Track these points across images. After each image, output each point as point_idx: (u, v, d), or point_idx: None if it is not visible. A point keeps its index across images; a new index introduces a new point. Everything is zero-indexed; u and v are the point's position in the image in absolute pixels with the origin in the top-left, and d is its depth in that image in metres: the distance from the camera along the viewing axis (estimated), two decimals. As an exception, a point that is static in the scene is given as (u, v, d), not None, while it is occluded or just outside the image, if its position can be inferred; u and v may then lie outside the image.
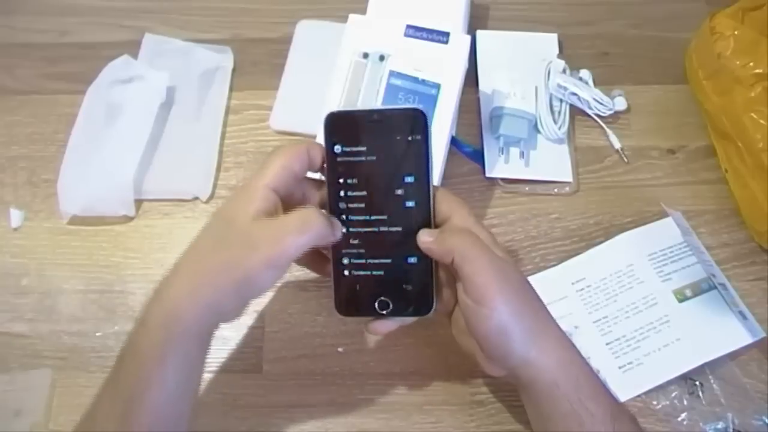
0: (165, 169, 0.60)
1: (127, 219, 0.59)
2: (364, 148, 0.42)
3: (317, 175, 0.44)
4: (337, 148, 0.42)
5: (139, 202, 0.59)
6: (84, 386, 0.52)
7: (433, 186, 0.43)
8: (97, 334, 0.54)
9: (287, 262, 0.40)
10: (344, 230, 0.43)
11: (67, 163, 0.59)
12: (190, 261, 0.41)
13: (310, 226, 0.40)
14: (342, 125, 0.42)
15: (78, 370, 0.53)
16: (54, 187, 0.59)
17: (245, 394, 0.51)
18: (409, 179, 0.42)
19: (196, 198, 0.60)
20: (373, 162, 0.42)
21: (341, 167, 0.42)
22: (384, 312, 0.44)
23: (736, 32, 0.56)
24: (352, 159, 0.42)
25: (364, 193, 0.42)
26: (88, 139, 0.60)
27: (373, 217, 0.43)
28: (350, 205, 0.43)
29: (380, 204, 0.43)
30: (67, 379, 0.53)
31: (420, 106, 0.42)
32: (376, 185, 0.42)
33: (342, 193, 0.43)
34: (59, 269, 0.57)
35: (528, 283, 0.44)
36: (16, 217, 0.59)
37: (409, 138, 0.42)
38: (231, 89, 0.64)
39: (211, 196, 0.60)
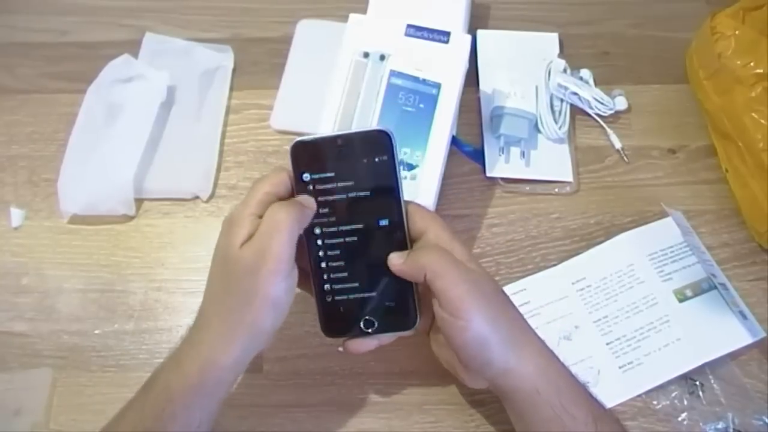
0: (165, 169, 0.60)
1: (128, 218, 0.59)
2: (332, 174, 0.42)
3: None
4: (306, 176, 0.42)
5: (139, 202, 0.59)
6: (84, 385, 0.52)
7: (405, 202, 0.43)
8: (97, 332, 0.54)
9: (288, 266, 0.40)
10: (323, 257, 0.43)
11: (68, 162, 0.59)
12: (212, 307, 0.42)
13: (280, 219, 0.40)
14: (308, 153, 0.42)
15: (78, 370, 0.53)
16: (54, 187, 0.59)
17: (245, 394, 0.51)
18: (380, 199, 0.43)
19: (197, 197, 0.60)
20: (343, 186, 0.42)
21: (310, 194, 0.42)
22: (369, 330, 0.44)
23: (736, 32, 0.56)
24: (320, 186, 0.42)
25: (336, 217, 0.43)
26: (89, 138, 0.60)
27: (348, 240, 0.43)
28: (324, 230, 0.43)
29: (354, 227, 0.43)
30: (67, 378, 0.53)
31: (383, 127, 0.42)
32: (347, 209, 0.43)
33: (314, 220, 0.43)
34: (59, 268, 0.57)
35: (504, 293, 0.44)
36: (16, 216, 0.59)
37: (376, 159, 0.42)
38: (231, 89, 0.64)
39: (212, 196, 0.60)
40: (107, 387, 0.52)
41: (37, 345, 0.54)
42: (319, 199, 0.43)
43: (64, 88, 0.64)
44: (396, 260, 0.42)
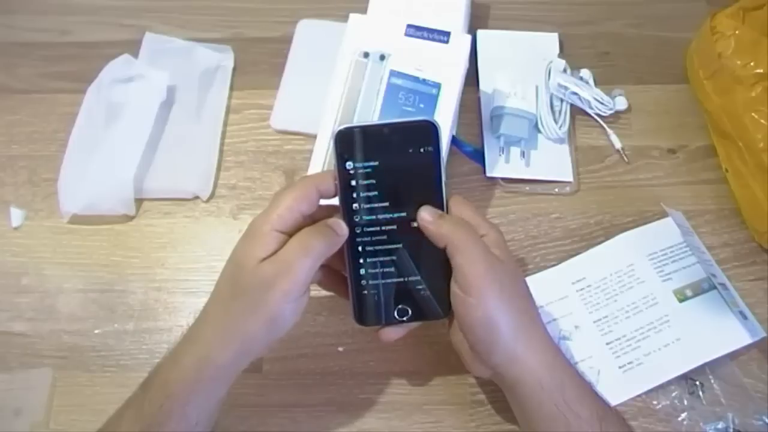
0: (165, 169, 0.60)
1: (128, 218, 0.59)
2: (375, 163, 0.42)
3: (333, 201, 0.43)
4: (349, 164, 0.42)
5: (139, 202, 0.59)
6: (84, 385, 0.52)
7: (446, 194, 0.43)
8: (97, 332, 0.54)
9: (303, 289, 0.40)
10: (361, 246, 0.43)
11: (68, 162, 0.59)
12: (215, 307, 0.42)
13: (311, 245, 0.40)
14: (352, 141, 0.42)
15: (78, 370, 0.53)
16: (54, 187, 0.59)
17: (245, 394, 0.51)
18: (422, 190, 0.43)
19: (197, 197, 0.60)
20: (385, 175, 0.42)
21: (353, 183, 0.42)
22: (404, 319, 0.44)
23: (736, 32, 0.56)
24: (363, 174, 0.42)
25: (377, 206, 0.43)
26: (89, 138, 0.60)
27: (387, 229, 0.43)
28: (364, 218, 0.43)
29: (394, 215, 0.43)
30: (67, 378, 0.53)
31: (431, 118, 0.42)
32: (388, 198, 0.43)
33: (355, 207, 0.43)
34: (59, 268, 0.57)
35: (524, 284, 0.44)
36: (16, 216, 0.59)
37: (421, 150, 0.42)
38: (231, 88, 0.64)
39: (212, 196, 0.60)
40: (107, 387, 0.52)
41: (37, 345, 0.54)
42: (361, 187, 0.42)
43: (64, 88, 0.64)
44: (426, 216, 0.42)
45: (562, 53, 0.64)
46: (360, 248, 0.43)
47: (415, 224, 0.43)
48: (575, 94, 0.61)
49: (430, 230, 0.42)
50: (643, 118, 0.62)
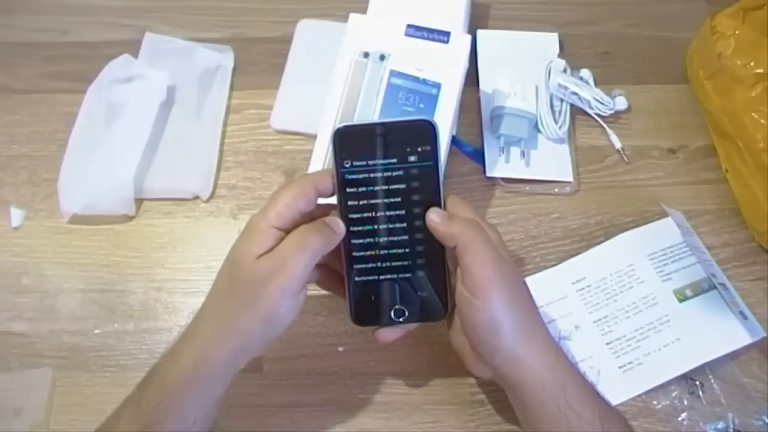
0: (165, 169, 0.60)
1: (128, 218, 0.59)
2: (374, 162, 0.42)
3: (330, 200, 0.43)
4: (347, 163, 0.42)
5: (139, 201, 0.59)
6: (84, 385, 0.53)
7: (444, 194, 0.43)
8: (97, 332, 0.54)
9: (300, 285, 0.40)
10: (358, 245, 0.43)
11: (68, 162, 0.59)
12: (213, 305, 0.42)
13: (307, 242, 0.40)
14: (351, 139, 0.42)
15: (78, 370, 0.53)
16: (54, 187, 0.59)
17: (245, 394, 0.51)
18: (420, 189, 0.43)
19: (197, 197, 0.60)
20: (383, 174, 0.42)
21: (351, 181, 0.42)
22: (400, 320, 0.44)
23: (736, 32, 0.56)
24: (361, 172, 0.42)
25: (375, 203, 0.43)
26: (89, 138, 0.60)
27: (384, 228, 0.43)
28: (362, 217, 0.43)
29: (391, 215, 0.43)
30: (67, 378, 0.53)
31: (429, 117, 0.42)
32: (386, 197, 0.43)
33: (353, 204, 0.43)
34: (59, 268, 0.57)
35: (525, 285, 0.44)
36: (16, 216, 0.59)
37: (419, 149, 0.42)
38: (231, 88, 0.64)
39: (212, 196, 0.60)
40: (107, 387, 0.52)
41: (37, 345, 0.54)
42: (358, 184, 0.42)
43: (64, 88, 0.64)
44: (434, 216, 0.42)
45: (562, 53, 0.64)
46: (357, 247, 0.43)
47: (417, 222, 0.43)
48: (575, 94, 0.61)
49: (440, 231, 0.42)
50: (643, 118, 0.62)
